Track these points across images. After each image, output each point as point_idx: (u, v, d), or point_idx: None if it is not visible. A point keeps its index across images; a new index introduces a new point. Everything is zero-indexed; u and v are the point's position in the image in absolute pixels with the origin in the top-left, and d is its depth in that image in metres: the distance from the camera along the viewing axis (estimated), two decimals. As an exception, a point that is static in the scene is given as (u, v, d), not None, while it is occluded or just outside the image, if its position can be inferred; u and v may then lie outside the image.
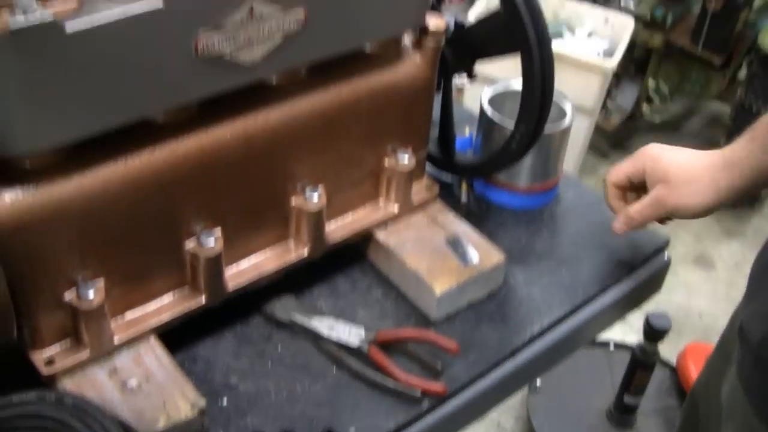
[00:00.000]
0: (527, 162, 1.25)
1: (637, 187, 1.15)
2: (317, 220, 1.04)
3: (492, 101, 1.27)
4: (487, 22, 1.11)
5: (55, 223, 0.84)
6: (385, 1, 0.97)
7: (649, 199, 1.10)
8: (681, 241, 2.94)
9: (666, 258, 1.26)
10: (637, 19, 2.89)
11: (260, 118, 0.94)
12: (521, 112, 1.11)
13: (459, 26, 1.17)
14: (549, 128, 1.18)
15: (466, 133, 1.40)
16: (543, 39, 1.05)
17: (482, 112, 1.26)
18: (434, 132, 1.22)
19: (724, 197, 1.06)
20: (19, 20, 0.71)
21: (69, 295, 0.89)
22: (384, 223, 1.13)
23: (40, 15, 0.71)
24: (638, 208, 1.12)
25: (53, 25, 0.72)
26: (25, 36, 0.71)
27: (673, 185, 1.08)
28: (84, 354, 0.92)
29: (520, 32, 1.04)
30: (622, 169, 1.15)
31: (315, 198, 1.02)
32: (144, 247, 0.93)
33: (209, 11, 0.82)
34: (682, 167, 1.08)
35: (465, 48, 1.15)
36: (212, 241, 0.95)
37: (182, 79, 0.84)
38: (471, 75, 1.20)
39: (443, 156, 1.26)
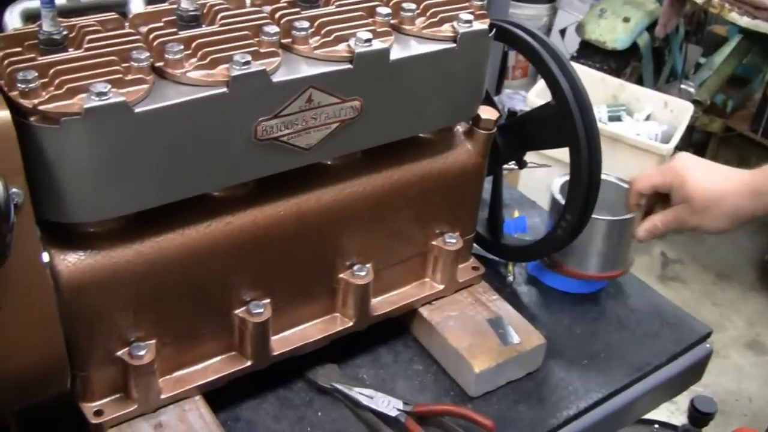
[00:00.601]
0: (598, 250, 1.26)
1: (662, 195, 1.21)
2: (363, 295, 1.08)
3: (564, 188, 1.25)
4: (538, 113, 1.16)
5: (113, 286, 0.89)
6: (441, 95, 1.02)
7: (672, 215, 1.17)
8: (733, 325, 2.90)
9: (708, 347, 1.27)
10: (697, 103, 2.91)
11: (313, 198, 0.99)
12: (568, 202, 1.15)
13: (512, 114, 1.22)
14: (623, 216, 1.23)
15: (514, 215, 1.44)
16: (591, 134, 1.09)
17: (553, 199, 1.27)
18: (483, 213, 1.27)
19: (743, 222, 1.12)
20: (93, 101, 0.78)
21: (122, 353, 0.94)
22: (429, 301, 1.17)
23: (112, 97, 0.78)
24: (663, 219, 1.19)
25: (122, 106, 0.79)
26: (97, 116, 0.78)
27: (695, 208, 1.14)
28: (131, 407, 0.96)
29: (569, 126, 1.09)
30: (651, 179, 1.20)
31: (363, 274, 1.07)
32: (196, 312, 0.98)
33: (270, 100, 0.88)
34: (707, 191, 1.13)
35: (516, 136, 1.20)
36: (261, 309, 1.00)
37: (241, 160, 0.90)
38: (521, 164, 1.24)
39: (491, 238, 1.30)
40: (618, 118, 2.85)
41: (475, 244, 1.27)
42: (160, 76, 0.86)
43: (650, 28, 3.20)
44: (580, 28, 3.22)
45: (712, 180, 1.13)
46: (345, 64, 0.92)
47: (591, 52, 3.21)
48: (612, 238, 1.26)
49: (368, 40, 0.92)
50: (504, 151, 1.21)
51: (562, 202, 1.22)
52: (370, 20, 0.97)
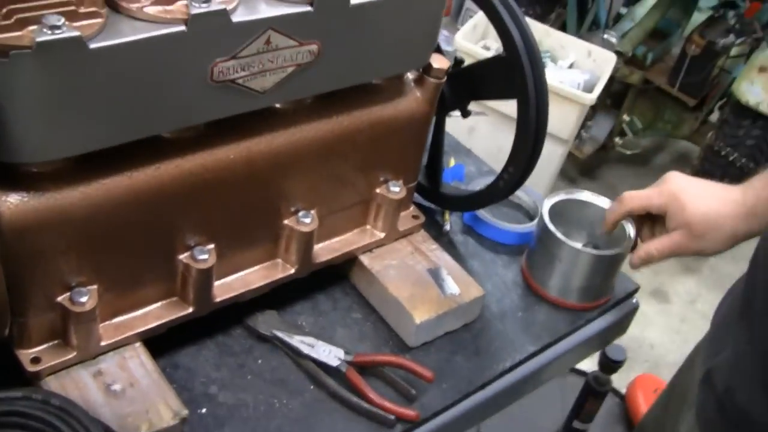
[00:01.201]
0: (583, 282, 1.21)
1: (650, 216, 1.18)
2: (307, 242, 1.07)
3: (555, 208, 1.23)
4: (487, 64, 1.15)
5: (56, 229, 0.85)
6: (397, 41, 1.00)
7: (670, 241, 1.13)
8: (639, 274, 3.00)
9: (635, 302, 1.31)
10: (619, 54, 2.95)
11: (264, 142, 0.97)
12: (512, 154, 1.15)
13: (458, 63, 1.21)
14: (613, 250, 1.20)
15: (450, 164, 1.44)
16: (540, 88, 1.09)
17: (543, 224, 1.20)
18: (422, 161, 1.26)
19: (740, 241, 1.11)
20: (46, 35, 0.73)
21: (62, 298, 0.91)
22: (369, 249, 1.17)
23: (66, 31, 0.74)
24: (658, 247, 1.15)
25: (77, 41, 0.74)
26: (49, 50, 0.73)
27: (695, 235, 1.10)
28: (70, 355, 0.94)
29: (519, 79, 1.08)
30: (644, 200, 1.16)
31: (308, 221, 1.05)
32: (139, 257, 0.95)
33: (228, 40, 0.84)
34: (706, 216, 1.10)
35: (463, 86, 1.19)
36: (205, 255, 0.97)
37: (194, 102, 0.87)
38: (465, 113, 1.24)
39: (430, 187, 1.30)
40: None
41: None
42: (114, 10, 0.81)
43: (576, -25, 3.22)
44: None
45: (708, 204, 1.10)
46: (305, 6, 0.88)
47: (516, -3, 3.20)
48: (599, 272, 1.22)
49: (329, -18, 0.89)
50: (449, 100, 1.21)
51: (553, 229, 1.19)
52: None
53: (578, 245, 1.20)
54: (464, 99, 1.22)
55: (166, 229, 0.95)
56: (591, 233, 1.27)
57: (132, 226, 0.91)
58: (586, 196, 1.26)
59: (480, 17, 2.84)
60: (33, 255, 0.86)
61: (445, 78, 1.11)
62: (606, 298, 1.26)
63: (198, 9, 0.80)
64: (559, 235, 1.18)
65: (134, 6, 0.80)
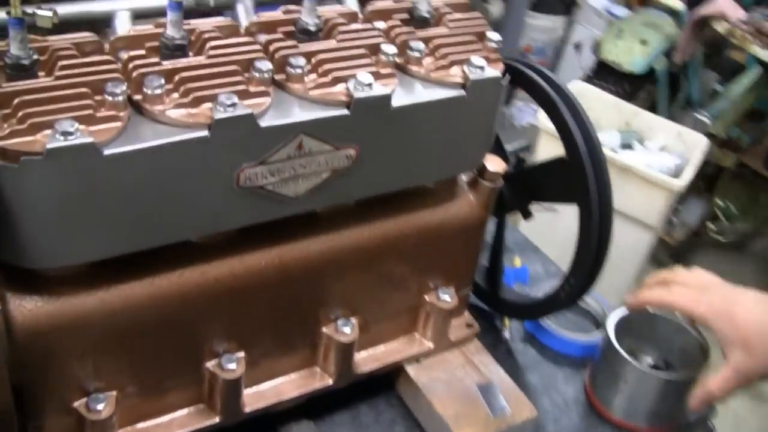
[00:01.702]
0: (647, 405, 1.10)
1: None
2: (347, 352, 1.00)
3: (624, 320, 1.13)
4: (548, 166, 1.07)
5: (72, 334, 0.81)
6: (444, 145, 0.94)
7: (732, 371, 0.97)
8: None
9: (710, 426, 1.18)
10: (711, 137, 2.82)
11: (298, 248, 0.91)
12: (574, 264, 1.06)
13: (520, 162, 1.14)
14: (684, 373, 1.10)
15: (516, 263, 1.36)
16: (604, 195, 1.01)
17: (607, 340, 1.11)
18: (482, 259, 1.18)
19: None
20: (57, 141, 0.69)
21: (78, 404, 0.86)
22: (416, 359, 1.09)
23: (78, 137, 0.70)
24: (719, 383, 0.99)
25: (90, 147, 0.71)
26: (60, 157, 0.70)
27: (756, 353, 0.96)
28: (87, 462, 0.88)
29: (581, 185, 1.00)
30: (685, 306, 1.02)
31: (347, 330, 0.98)
32: (162, 364, 0.90)
33: (255, 145, 0.79)
34: (763, 326, 0.96)
35: (523, 187, 1.11)
36: (234, 364, 0.91)
37: (219, 209, 0.81)
38: (526, 214, 1.15)
39: (489, 290, 1.22)
40: (629, 146, 2.76)
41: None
42: (138, 111, 0.77)
43: (668, 52, 3.11)
44: (596, 47, 3.13)
45: (761, 313, 0.97)
46: (341, 110, 0.83)
47: (606, 73, 3.11)
48: (669, 396, 1.09)
49: (369, 84, 0.83)
50: (510, 200, 1.13)
51: (617, 347, 1.08)
52: (372, 59, 0.88)
53: (645, 366, 1.09)
54: (525, 200, 1.14)
55: (191, 335, 0.90)
56: (663, 349, 1.16)
57: (153, 333, 0.86)
58: (656, 308, 1.15)
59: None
60: (47, 359, 0.82)
61: (501, 182, 1.04)
62: (678, 422, 1.13)
63: (222, 114, 0.76)
64: (624, 354, 1.07)
65: (157, 108, 0.77)
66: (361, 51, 0.88)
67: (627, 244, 2.44)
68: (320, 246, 0.92)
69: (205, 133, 0.76)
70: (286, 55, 0.84)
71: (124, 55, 0.81)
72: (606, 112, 2.78)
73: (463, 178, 1.04)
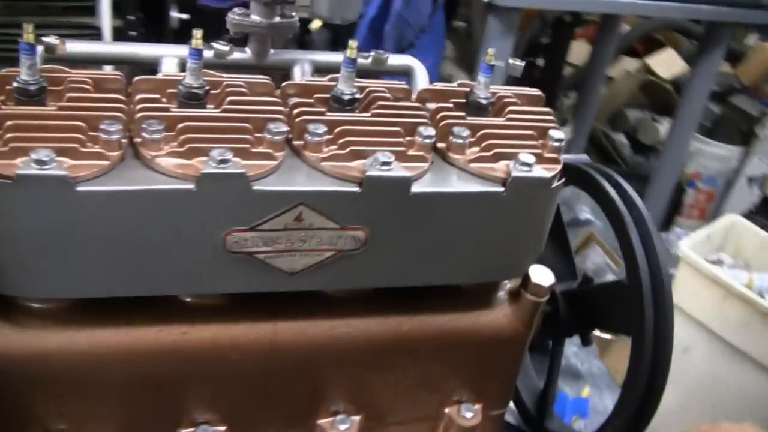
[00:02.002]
0: None
1: None
2: (343, 453, 0.91)
3: None
4: (607, 288, 0.96)
5: (36, 369, 0.77)
6: (475, 245, 0.84)
7: None
8: None
9: None
10: None
11: (296, 328, 0.84)
12: (619, 403, 0.92)
13: (587, 281, 1.02)
14: None
15: (583, 392, 1.22)
16: (663, 329, 0.87)
17: None
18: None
19: None
20: (29, 168, 0.67)
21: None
22: (431, 479, 0.97)
23: (52, 168, 0.67)
24: None
25: (61, 180, 0.67)
26: (30, 185, 0.67)
27: None
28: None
29: (636, 314, 0.87)
30: None
31: (343, 427, 0.89)
32: (133, 420, 0.84)
33: (247, 209, 0.73)
34: None
35: (582, 309, 0.99)
36: (209, 439, 0.85)
37: (204, 270, 0.76)
38: (586, 341, 1.03)
39: (536, 416, 1.09)
40: (781, 291, 2.50)
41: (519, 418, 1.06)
42: (135, 155, 0.74)
43: None
44: (763, 182, 2.89)
45: None
46: (351, 186, 0.76)
47: (769, 211, 2.88)
48: None
49: (387, 163, 0.76)
50: (566, 322, 1.01)
51: None
52: (404, 140, 0.81)
53: None
54: (584, 323, 1.01)
55: (168, 397, 0.83)
56: None
57: (124, 386, 0.81)
58: None
59: (718, 225, 2.55)
60: (8, 390, 0.78)
61: (547, 297, 0.92)
62: None
63: (211, 169, 0.71)
64: None
65: (150, 153, 0.73)
66: (394, 129, 0.81)
67: (750, 391, 2.18)
68: (320, 330, 0.84)
69: (190, 186, 0.71)
70: (309, 121, 0.79)
71: (141, 96, 0.78)
72: (761, 251, 2.54)
73: (508, 285, 0.94)
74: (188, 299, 0.82)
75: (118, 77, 0.80)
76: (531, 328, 0.94)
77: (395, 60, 1.24)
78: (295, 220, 0.75)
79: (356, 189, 0.76)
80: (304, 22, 1.31)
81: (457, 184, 0.81)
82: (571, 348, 1.26)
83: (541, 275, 0.91)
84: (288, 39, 1.18)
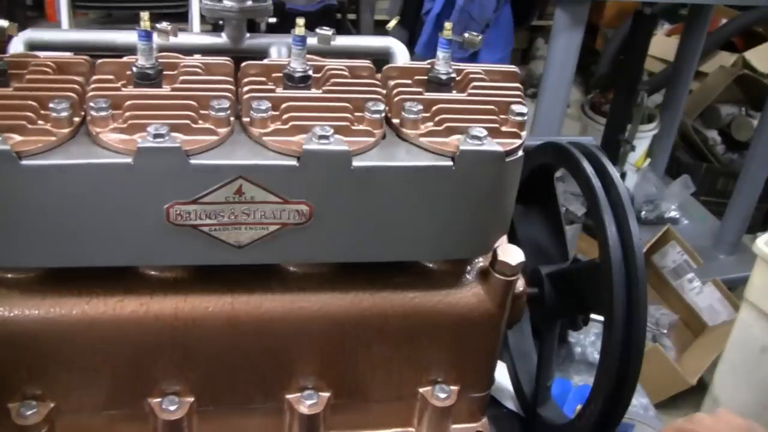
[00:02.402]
0: None
1: None
2: (311, 427, 0.92)
3: None
4: (582, 269, 0.93)
5: (6, 333, 0.82)
6: (430, 220, 0.83)
7: None
8: None
9: None
10: None
11: (252, 302, 0.85)
12: (594, 387, 0.90)
13: (576, 263, 0.99)
14: None
15: (574, 382, 1.18)
16: (635, 311, 0.84)
17: None
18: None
19: None
20: (-21, 144, 0.71)
21: (12, 406, 0.85)
22: (410, 460, 0.97)
23: (-1, 144, 0.71)
24: None
25: (6, 155, 0.71)
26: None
27: None
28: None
29: (607, 294, 0.85)
30: None
31: (309, 402, 0.90)
32: (99, 390, 0.87)
33: (186, 182, 0.76)
34: None
35: (565, 291, 0.97)
36: (174, 406, 0.87)
37: (150, 241, 0.79)
38: (575, 325, 1.00)
39: (532, 403, 1.07)
40: None
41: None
42: (86, 132, 0.78)
43: None
44: None
45: None
46: (290, 160, 0.77)
47: None
48: None
49: (325, 137, 0.77)
50: (551, 304, 0.99)
51: None
52: (351, 114, 0.82)
53: None
54: (571, 306, 0.99)
55: (133, 367, 0.87)
56: None
57: (90, 354, 0.85)
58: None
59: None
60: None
61: (518, 276, 0.91)
62: None
63: (147, 143, 0.74)
64: None
65: (97, 130, 0.76)
66: (342, 104, 0.82)
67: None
68: (277, 304, 0.86)
69: (128, 160, 0.74)
70: (255, 98, 0.80)
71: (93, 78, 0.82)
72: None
73: (479, 264, 0.93)
74: (150, 272, 0.85)
75: (87, 61, 0.84)
76: (504, 308, 0.92)
77: (374, 41, 1.25)
78: (235, 193, 0.77)
79: (295, 163, 0.77)
80: (279, 6, 1.32)
81: (405, 158, 0.81)
82: (589, 338, 1.23)
83: (509, 253, 0.89)
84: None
